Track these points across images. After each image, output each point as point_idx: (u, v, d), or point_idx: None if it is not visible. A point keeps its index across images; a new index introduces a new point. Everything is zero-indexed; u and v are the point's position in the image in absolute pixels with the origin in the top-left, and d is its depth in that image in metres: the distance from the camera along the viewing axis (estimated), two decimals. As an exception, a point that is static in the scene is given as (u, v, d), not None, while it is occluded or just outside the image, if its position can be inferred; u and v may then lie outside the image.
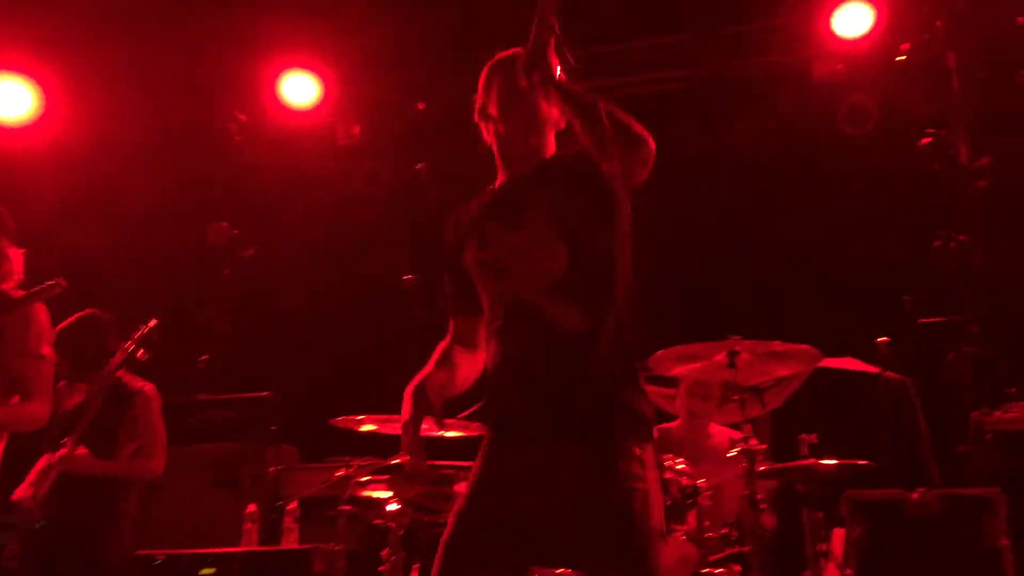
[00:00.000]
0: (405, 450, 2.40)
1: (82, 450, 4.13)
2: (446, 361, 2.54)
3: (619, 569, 2.23)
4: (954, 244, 5.46)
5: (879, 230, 5.76)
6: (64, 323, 4.38)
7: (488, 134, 2.62)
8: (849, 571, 3.73)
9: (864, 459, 3.79)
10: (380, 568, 3.97)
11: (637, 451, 2.34)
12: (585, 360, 2.37)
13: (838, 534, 4.02)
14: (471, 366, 2.58)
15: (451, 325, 2.66)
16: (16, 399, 3.43)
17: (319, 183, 6.80)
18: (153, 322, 4.26)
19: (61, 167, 6.44)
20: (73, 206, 6.43)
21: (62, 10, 5.80)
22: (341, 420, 4.21)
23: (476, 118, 2.63)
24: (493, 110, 2.56)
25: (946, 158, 5.63)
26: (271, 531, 5.33)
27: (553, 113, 2.56)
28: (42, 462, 4.18)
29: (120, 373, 4.29)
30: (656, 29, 6.21)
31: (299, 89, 6.55)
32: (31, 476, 4.15)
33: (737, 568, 3.75)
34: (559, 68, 2.41)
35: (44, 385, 3.50)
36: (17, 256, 3.68)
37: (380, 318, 6.36)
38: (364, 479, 4.24)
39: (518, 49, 2.55)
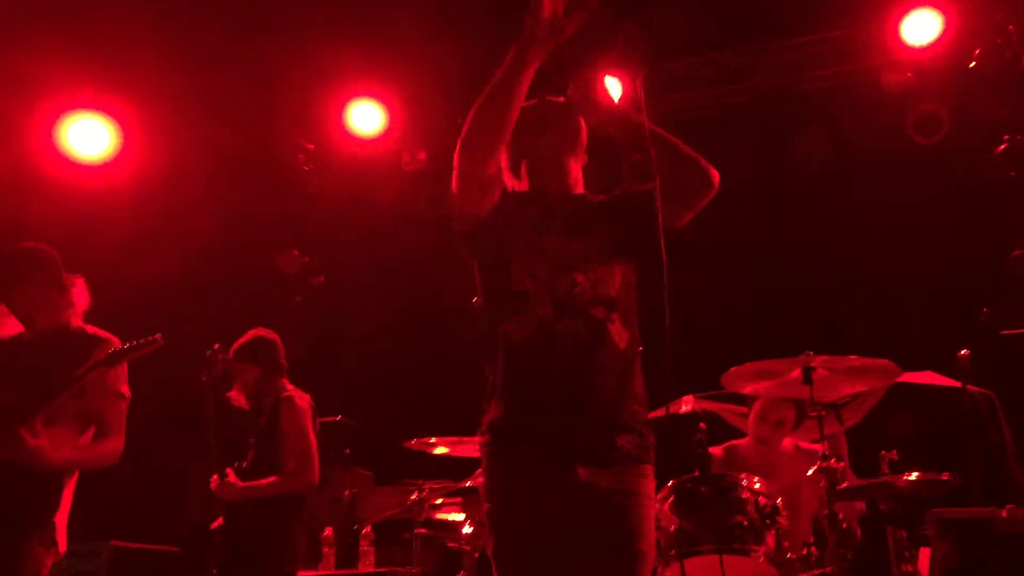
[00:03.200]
0: None
1: (232, 477, 4.24)
2: None
3: None
4: (1034, 253, 5.31)
5: (955, 241, 5.63)
6: (241, 343, 4.53)
7: (515, 173, 2.64)
8: (937, 591, 3.63)
9: (949, 475, 3.68)
10: (456, 591, 3.98)
11: (650, 470, 2.46)
12: (627, 378, 2.45)
13: (924, 553, 3.91)
14: None
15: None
16: (90, 435, 3.52)
17: (386, 209, 6.89)
18: (217, 348, 4.51)
19: (137, 201, 6.62)
20: (149, 238, 6.60)
21: (135, 47, 5.98)
22: (414, 443, 4.24)
23: (503, 162, 2.59)
24: (541, 121, 2.60)
25: (1022, 164, 5.50)
26: (348, 554, 5.38)
27: (584, 139, 2.64)
28: None
29: (288, 385, 4.47)
30: (721, 44, 6.18)
31: (365, 117, 6.65)
32: None
33: (819, 589, 3.66)
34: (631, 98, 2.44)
35: (120, 423, 3.59)
36: (78, 285, 3.78)
37: (449, 341, 6.39)
38: (438, 502, 4.26)
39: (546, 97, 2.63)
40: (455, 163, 2.48)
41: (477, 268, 2.61)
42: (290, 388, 4.51)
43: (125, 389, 3.65)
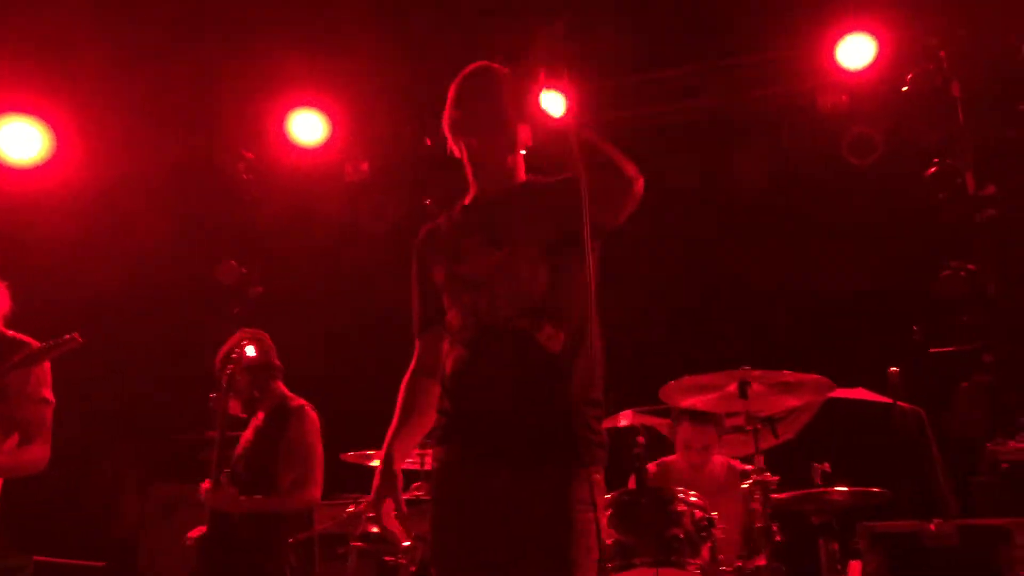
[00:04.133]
0: (377, 518, 2.53)
1: (230, 487, 4.09)
2: (413, 409, 2.61)
3: None
4: (964, 273, 5.46)
5: (886, 260, 5.76)
6: (229, 345, 4.36)
7: (458, 147, 2.63)
8: (866, 603, 3.69)
9: (879, 489, 3.77)
10: (392, 604, 3.94)
11: (596, 476, 2.42)
12: (559, 383, 2.41)
13: (854, 566, 3.98)
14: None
15: (416, 347, 2.68)
16: (14, 441, 3.43)
17: (327, 220, 6.83)
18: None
19: (70, 207, 6.47)
20: (82, 245, 6.46)
21: (71, 51, 5.87)
22: (351, 456, 4.20)
23: (446, 129, 2.63)
24: (465, 121, 2.57)
25: (952, 187, 5.65)
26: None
27: (525, 133, 2.58)
28: None
29: (283, 388, 4.34)
30: (656, 63, 6.25)
31: (307, 127, 6.59)
32: None
33: (751, 601, 3.71)
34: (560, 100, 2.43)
35: (45, 429, 3.51)
36: (1, 289, 3.70)
37: (389, 355, 6.34)
38: (374, 515, 4.21)
39: (487, 62, 2.61)
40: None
41: None
42: (293, 396, 4.40)
43: (48, 394, 3.57)
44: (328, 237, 6.78)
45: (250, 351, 4.30)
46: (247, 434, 4.35)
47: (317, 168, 6.81)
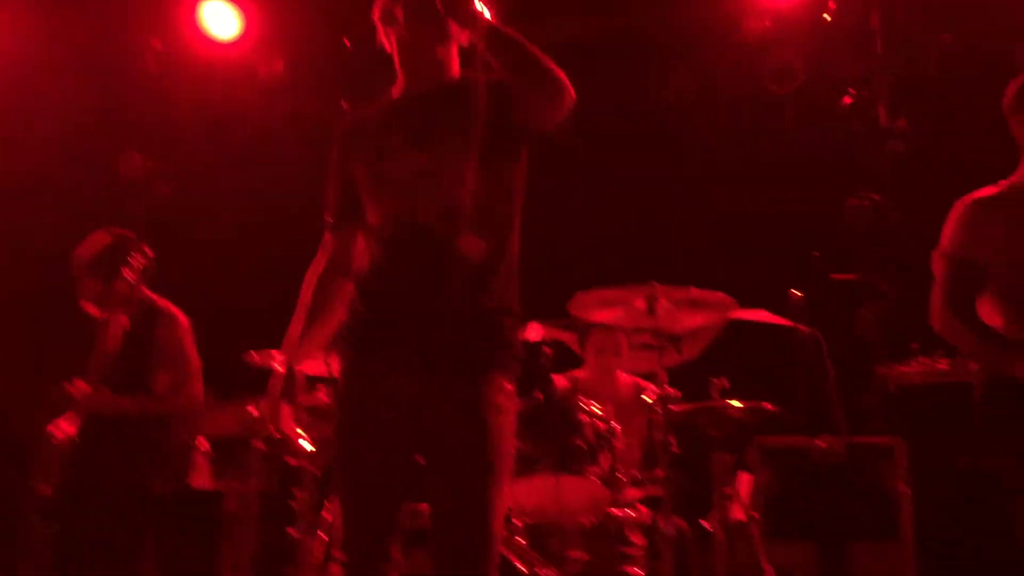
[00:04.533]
0: (268, 420, 2.47)
1: (103, 390, 3.97)
2: (323, 307, 2.55)
3: (467, 492, 2.32)
4: (868, 203, 5.60)
5: (798, 187, 5.85)
6: (87, 244, 4.19)
7: (388, 39, 2.54)
8: (754, 514, 3.84)
9: (774, 406, 3.90)
10: (294, 506, 3.94)
11: (508, 385, 2.40)
12: (478, 291, 2.36)
13: (744, 478, 4.13)
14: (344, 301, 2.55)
15: (329, 242, 2.60)
16: None
17: (239, 119, 6.62)
18: (150, 254, 4.21)
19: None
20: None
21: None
22: (256, 357, 4.15)
23: (376, 18, 2.54)
24: (399, 14, 2.47)
25: (866, 119, 5.75)
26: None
27: (458, 29, 2.49)
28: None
29: (148, 292, 4.18)
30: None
31: (220, 19, 6.32)
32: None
33: (645, 510, 3.83)
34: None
35: None
36: None
37: (299, 258, 6.25)
38: (267, 416, 4.18)
39: None
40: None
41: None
42: (159, 299, 4.29)
43: None
44: (240, 135, 6.58)
45: (90, 248, 4.17)
46: (114, 338, 4.18)
47: (229, 64, 6.56)
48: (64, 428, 4.03)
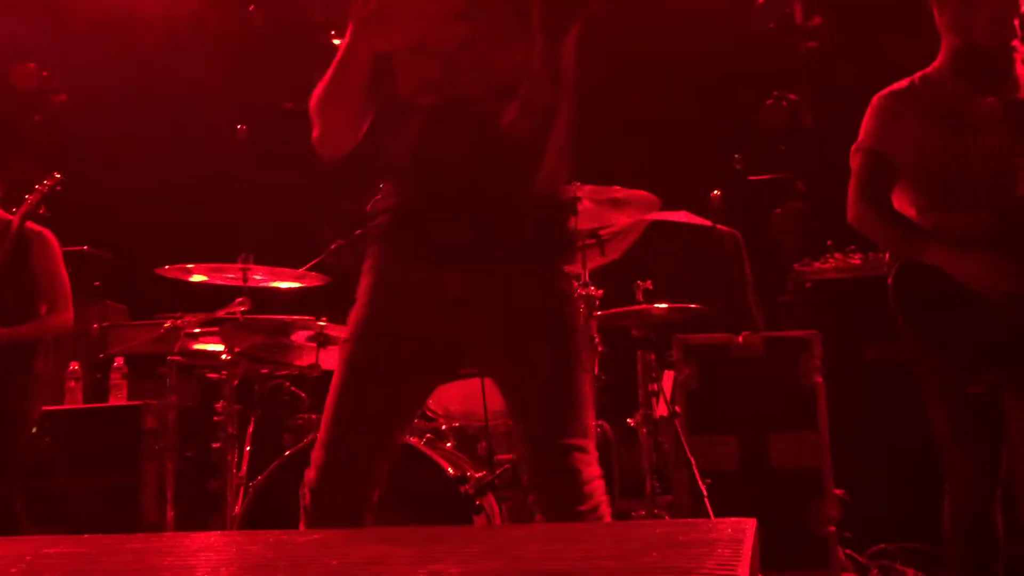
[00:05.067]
0: None
1: None
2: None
3: (561, 365, 2.14)
4: (785, 103, 5.63)
5: (715, 87, 5.84)
6: None
7: None
8: (678, 408, 3.91)
9: (696, 305, 3.95)
10: (215, 419, 3.88)
11: (567, 269, 2.24)
12: (530, 170, 2.17)
13: (668, 375, 4.20)
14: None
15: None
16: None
17: (142, 23, 6.30)
18: (58, 176, 4.34)
19: None
20: None
21: None
22: (169, 270, 4.02)
23: None
24: None
25: (781, 17, 5.74)
26: (98, 389, 5.13)
27: None
28: None
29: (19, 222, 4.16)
30: None
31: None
32: None
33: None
34: None
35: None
36: None
37: (207, 168, 6.05)
38: (195, 331, 4.09)
39: None
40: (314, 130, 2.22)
41: None
42: (29, 223, 4.23)
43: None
44: (143, 41, 6.26)
45: None
46: None
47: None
48: None
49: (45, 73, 6.14)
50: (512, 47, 2.13)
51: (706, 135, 5.77)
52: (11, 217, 4.21)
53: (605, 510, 2.12)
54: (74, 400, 4.90)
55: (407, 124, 2.21)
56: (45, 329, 4.22)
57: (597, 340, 3.76)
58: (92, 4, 6.25)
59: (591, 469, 2.12)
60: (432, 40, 2.17)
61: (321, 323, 3.89)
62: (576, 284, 3.89)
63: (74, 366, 4.98)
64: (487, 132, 2.12)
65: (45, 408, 4.54)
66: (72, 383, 4.92)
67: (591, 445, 2.14)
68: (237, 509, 3.72)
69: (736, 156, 5.48)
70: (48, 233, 4.29)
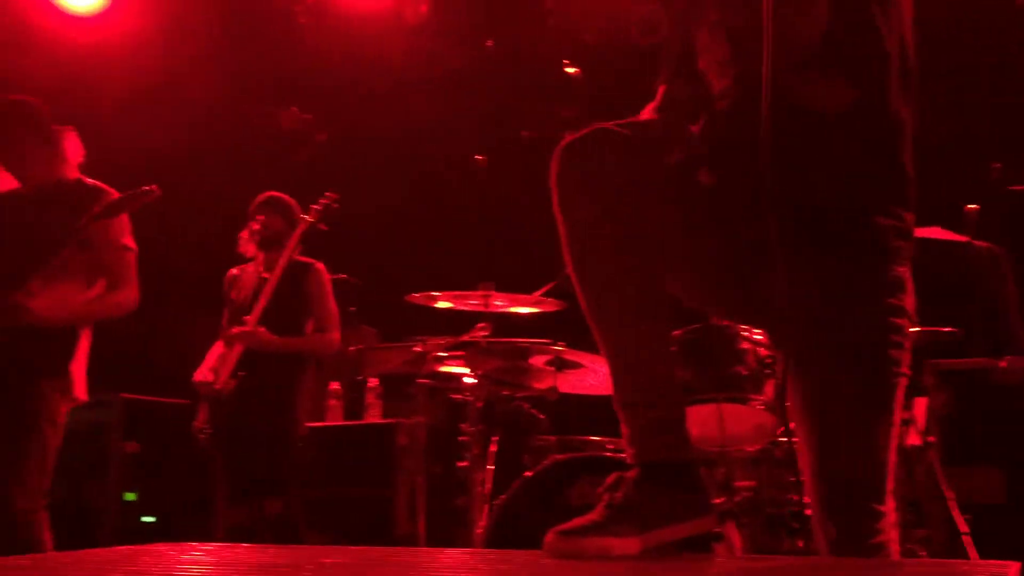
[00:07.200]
0: None
1: (262, 329, 4.39)
2: None
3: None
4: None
5: (966, 96, 5.48)
6: (265, 197, 4.69)
7: None
8: (931, 438, 3.69)
9: (951, 328, 3.71)
10: (460, 439, 4.06)
11: (900, 271, 1.91)
12: (849, 149, 1.88)
13: (920, 402, 3.97)
14: None
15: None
16: (101, 286, 3.55)
17: (387, 64, 6.72)
18: (333, 195, 4.72)
19: (129, 57, 6.46)
20: (145, 94, 6.47)
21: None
22: (417, 297, 4.25)
23: None
24: None
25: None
26: (354, 408, 5.49)
27: None
28: (218, 347, 4.50)
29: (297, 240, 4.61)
30: None
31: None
32: (209, 360, 4.48)
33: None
34: None
35: (131, 274, 3.66)
36: (69, 137, 3.73)
37: (450, 199, 6.35)
38: (441, 355, 4.30)
39: None
40: None
41: None
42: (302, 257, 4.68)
43: (130, 241, 3.68)
44: (388, 81, 6.68)
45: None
46: (264, 293, 4.49)
47: (376, 11, 6.65)
48: (220, 374, 4.40)
49: (308, 116, 6.67)
50: (814, 3, 1.83)
51: (958, 147, 5.41)
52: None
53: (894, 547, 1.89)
54: (335, 417, 5.27)
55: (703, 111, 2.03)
56: (313, 344, 4.59)
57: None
58: (341, 46, 6.72)
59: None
60: (724, 17, 1.99)
61: (558, 347, 3.98)
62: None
63: (334, 386, 5.37)
64: (789, 115, 1.82)
65: (308, 424, 4.91)
66: (333, 401, 5.30)
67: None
68: (480, 526, 3.86)
69: (993, 166, 5.10)
70: (320, 264, 4.70)
